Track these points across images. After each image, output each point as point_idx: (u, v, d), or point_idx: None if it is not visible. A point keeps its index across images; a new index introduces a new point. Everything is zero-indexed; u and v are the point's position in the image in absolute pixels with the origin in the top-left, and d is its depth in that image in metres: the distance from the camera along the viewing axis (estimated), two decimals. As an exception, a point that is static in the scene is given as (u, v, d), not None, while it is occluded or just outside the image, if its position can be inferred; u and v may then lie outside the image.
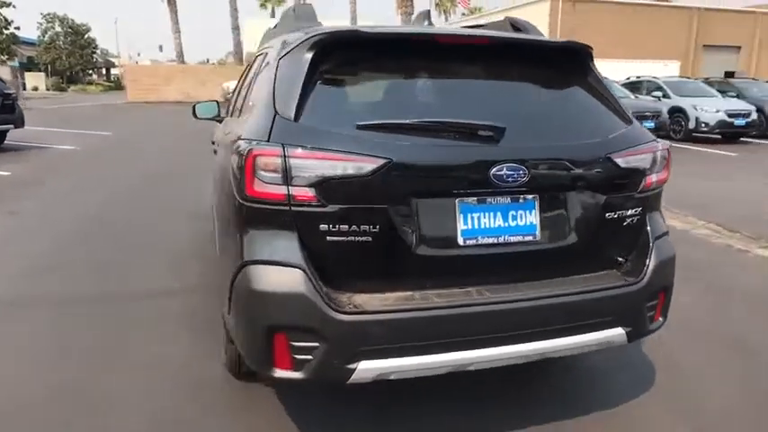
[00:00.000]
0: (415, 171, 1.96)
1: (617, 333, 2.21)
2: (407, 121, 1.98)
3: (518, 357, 2.08)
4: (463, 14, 62.21)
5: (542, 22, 30.42)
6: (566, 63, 2.36)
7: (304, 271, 1.89)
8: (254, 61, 3.57)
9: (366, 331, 1.90)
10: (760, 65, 31.79)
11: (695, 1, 32.41)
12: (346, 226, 1.91)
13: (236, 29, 36.02)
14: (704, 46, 31.79)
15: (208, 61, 63.24)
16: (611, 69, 22.77)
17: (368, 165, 1.89)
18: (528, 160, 2.02)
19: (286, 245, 1.92)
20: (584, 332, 2.15)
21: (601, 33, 29.93)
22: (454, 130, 2.01)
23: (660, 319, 2.37)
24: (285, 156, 1.88)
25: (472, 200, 2.02)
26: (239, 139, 2.09)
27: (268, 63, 2.54)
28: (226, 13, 39.17)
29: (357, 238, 1.92)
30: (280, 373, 1.94)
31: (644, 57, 28.34)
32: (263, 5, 53.25)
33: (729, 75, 27.87)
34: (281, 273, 1.90)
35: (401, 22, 31.92)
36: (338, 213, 1.90)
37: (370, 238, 1.93)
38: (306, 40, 2.14)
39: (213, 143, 4.12)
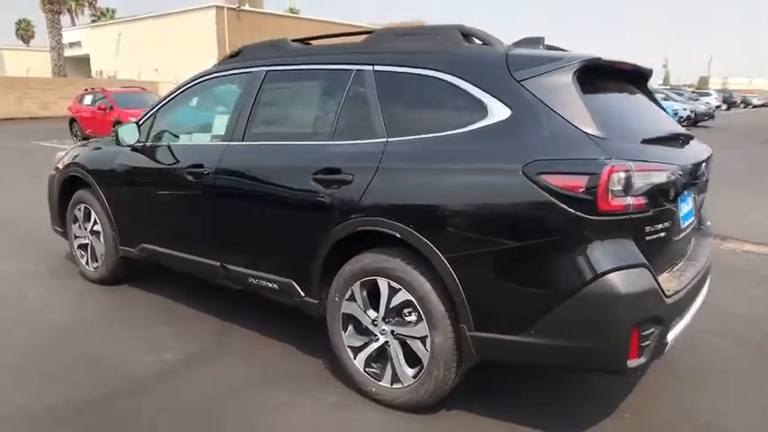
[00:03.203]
0: (682, 173, 2.42)
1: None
2: (665, 134, 2.42)
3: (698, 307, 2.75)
4: (92, 16, 56.34)
5: (209, 31, 30.46)
6: None
7: (648, 269, 2.16)
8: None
9: (676, 309, 2.30)
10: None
11: (341, 17, 37.30)
12: (658, 225, 2.25)
13: None
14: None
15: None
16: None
17: (670, 172, 2.27)
18: (704, 158, 2.70)
19: (630, 249, 2.15)
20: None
21: (267, 44, 31.82)
22: (677, 139, 2.54)
23: None
24: (631, 170, 2.10)
25: (683, 192, 2.59)
26: (541, 160, 2.15)
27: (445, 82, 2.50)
28: None
29: (660, 234, 2.29)
30: (630, 363, 2.15)
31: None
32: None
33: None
34: (637, 274, 2.12)
35: (47, 21, 27.32)
36: (655, 215, 2.22)
37: (664, 233, 2.31)
38: (566, 65, 2.32)
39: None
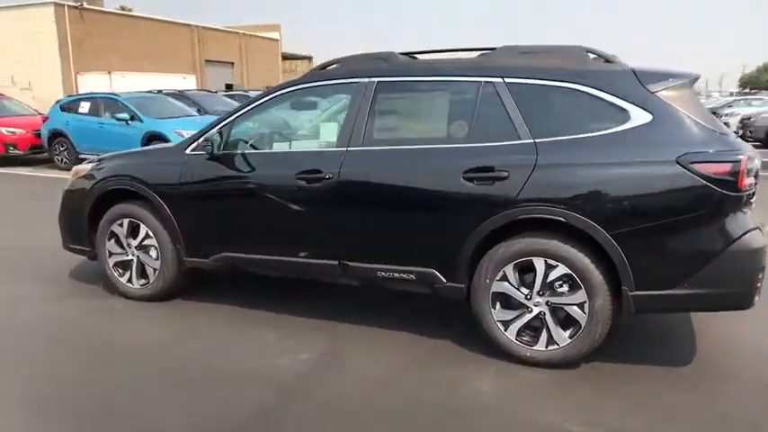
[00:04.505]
0: None
1: None
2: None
3: None
4: None
5: (49, 30, 27.44)
6: None
7: (761, 230, 2.92)
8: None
9: None
10: (250, 78, 37.70)
11: (194, 19, 35.46)
12: (754, 197, 3.01)
13: None
14: (206, 61, 35.40)
15: None
16: (136, 82, 22.89)
17: (760, 157, 3.06)
18: None
19: (750, 216, 2.90)
20: None
21: (115, 45, 29.39)
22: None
23: None
24: (753, 157, 2.85)
25: None
26: (691, 153, 2.79)
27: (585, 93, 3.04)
28: None
29: (754, 204, 3.07)
30: (753, 300, 2.90)
31: (162, 70, 29.50)
32: None
33: (229, 87, 32.29)
34: (758, 234, 2.88)
35: None
36: (755, 191, 2.99)
37: (754, 203, 3.11)
38: (689, 79, 3.01)
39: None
